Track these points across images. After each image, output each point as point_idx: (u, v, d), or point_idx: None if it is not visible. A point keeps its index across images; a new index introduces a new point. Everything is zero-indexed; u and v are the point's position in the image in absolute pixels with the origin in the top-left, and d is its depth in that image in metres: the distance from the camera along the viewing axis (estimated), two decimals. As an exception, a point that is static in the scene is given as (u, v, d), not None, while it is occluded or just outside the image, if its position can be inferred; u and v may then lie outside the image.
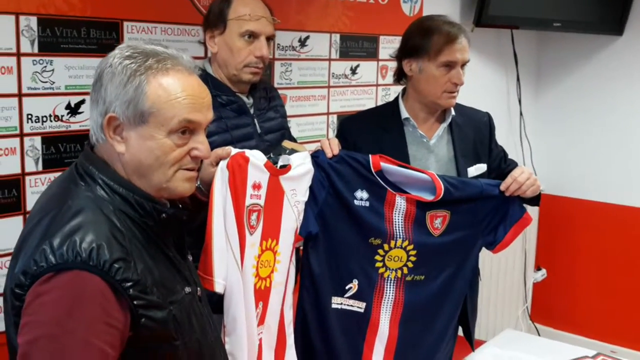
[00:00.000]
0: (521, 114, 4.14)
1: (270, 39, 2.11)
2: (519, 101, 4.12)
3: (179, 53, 1.40)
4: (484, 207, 2.10)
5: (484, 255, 3.72)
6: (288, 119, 2.38)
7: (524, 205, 2.15)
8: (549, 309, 4.31)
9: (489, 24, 3.63)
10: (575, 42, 4.14)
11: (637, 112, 4.01)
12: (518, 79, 4.07)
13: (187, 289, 1.40)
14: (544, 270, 4.34)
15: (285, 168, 1.89)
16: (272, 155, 1.88)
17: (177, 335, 1.33)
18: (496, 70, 4.02)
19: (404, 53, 2.21)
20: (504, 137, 4.01)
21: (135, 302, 1.25)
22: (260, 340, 1.87)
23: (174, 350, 1.33)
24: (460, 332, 2.36)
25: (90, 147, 1.40)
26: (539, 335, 3.99)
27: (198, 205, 1.70)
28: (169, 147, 1.34)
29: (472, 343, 2.35)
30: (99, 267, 1.21)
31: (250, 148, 1.84)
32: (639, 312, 4.02)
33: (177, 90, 1.34)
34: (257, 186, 1.80)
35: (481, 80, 3.81)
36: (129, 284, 1.24)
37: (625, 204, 4.06)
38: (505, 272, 4.04)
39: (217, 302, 1.74)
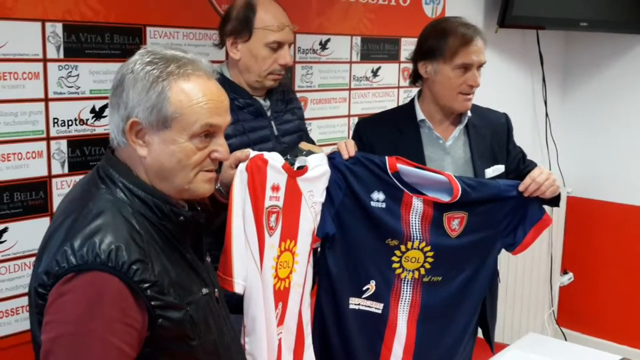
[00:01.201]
0: (547, 115, 4.11)
1: (290, 45, 2.14)
2: (545, 103, 4.09)
3: (197, 57, 1.43)
4: (503, 208, 2.10)
5: (510, 258, 3.75)
6: (309, 121, 2.40)
7: (544, 206, 2.14)
8: (576, 313, 4.27)
9: (513, 25, 3.62)
10: (602, 41, 4.09)
11: (666, 114, 3.97)
12: (544, 80, 4.05)
13: (205, 290, 1.44)
14: (570, 274, 4.29)
15: (303, 169, 1.92)
16: (289, 157, 1.91)
17: (193, 336, 1.36)
18: (521, 71, 4.01)
19: (420, 55, 2.22)
20: (529, 138, 4.00)
21: (152, 303, 1.29)
22: (280, 340, 1.89)
23: (190, 350, 1.37)
24: (480, 335, 2.37)
25: (111, 150, 1.44)
26: (565, 339, 3.95)
27: (218, 207, 1.74)
28: (191, 150, 1.38)
29: (492, 345, 2.35)
30: (118, 268, 1.26)
31: (268, 150, 1.87)
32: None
33: (199, 95, 1.37)
34: (275, 188, 1.83)
35: (506, 82, 3.80)
36: (146, 285, 1.28)
37: (653, 206, 4.01)
38: (531, 276, 4.01)
39: (236, 303, 1.77)
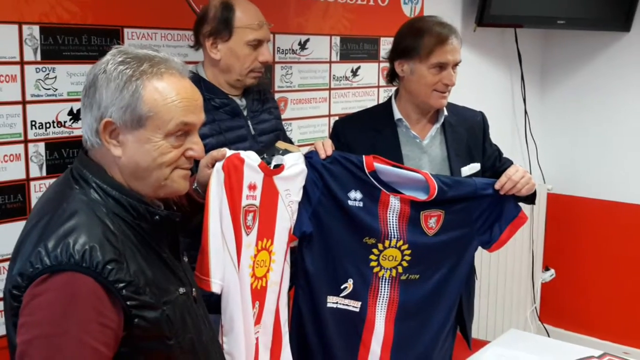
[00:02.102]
0: (526, 113, 4.15)
1: (268, 42, 2.17)
2: (524, 100, 4.13)
3: (170, 56, 1.44)
4: (479, 206, 2.12)
5: (491, 256, 3.78)
6: (290, 121, 2.42)
7: (520, 204, 2.16)
8: (558, 310, 4.31)
9: (491, 23, 3.65)
10: (580, 39, 4.14)
11: (644, 110, 4.01)
12: (522, 78, 4.08)
13: (182, 290, 1.44)
14: (552, 271, 4.33)
15: (279, 168, 1.93)
16: (265, 156, 1.92)
17: (170, 335, 1.37)
18: (500, 69, 4.04)
19: (396, 54, 2.23)
20: (509, 136, 4.03)
21: (128, 303, 1.29)
22: (257, 339, 1.90)
23: (167, 349, 1.37)
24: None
25: (84, 151, 1.44)
26: (548, 336, 3.98)
27: (195, 206, 1.75)
28: (166, 149, 1.39)
29: (469, 342, 2.37)
30: (92, 269, 1.26)
31: (244, 149, 1.88)
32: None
33: (172, 94, 1.38)
34: (252, 187, 1.84)
35: (485, 80, 3.83)
36: (121, 284, 1.29)
37: (633, 202, 4.05)
38: (513, 273, 4.05)
39: (214, 303, 1.78)
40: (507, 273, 3.99)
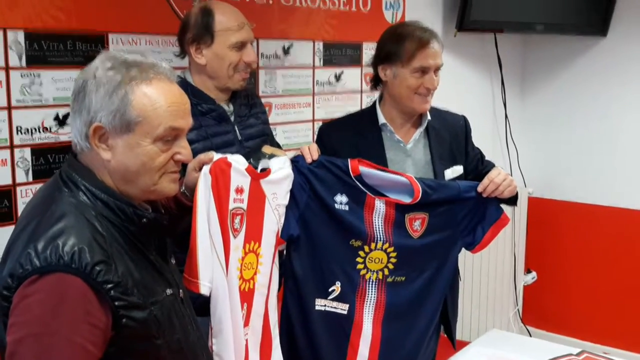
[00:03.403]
0: (506, 117, 4.20)
1: (251, 42, 2.19)
2: (504, 105, 4.17)
3: (158, 62, 1.46)
4: (462, 209, 2.15)
5: (474, 260, 3.82)
6: (274, 126, 2.44)
7: (502, 205, 2.20)
8: (540, 312, 4.35)
9: (472, 29, 3.70)
10: (559, 44, 4.20)
11: (624, 113, 4.06)
12: (502, 83, 4.14)
13: (169, 291, 1.46)
14: (534, 273, 4.38)
15: (266, 172, 1.95)
16: (252, 161, 1.94)
17: (158, 335, 1.39)
18: (480, 74, 4.09)
19: (379, 59, 2.26)
20: (490, 140, 4.08)
21: (116, 303, 1.31)
22: (247, 341, 1.91)
23: (155, 349, 1.39)
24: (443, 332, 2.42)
25: (73, 155, 1.46)
26: (530, 337, 4.03)
27: (183, 210, 1.76)
28: (155, 153, 1.41)
29: (453, 342, 2.40)
30: (81, 270, 1.28)
31: (232, 154, 1.90)
32: (630, 313, 4.05)
33: (161, 99, 1.40)
34: (239, 190, 1.86)
35: (466, 85, 3.88)
36: (109, 285, 1.30)
37: (613, 205, 4.10)
38: (496, 276, 4.08)
39: (202, 305, 1.79)
40: (489, 276, 4.03)
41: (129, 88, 1.38)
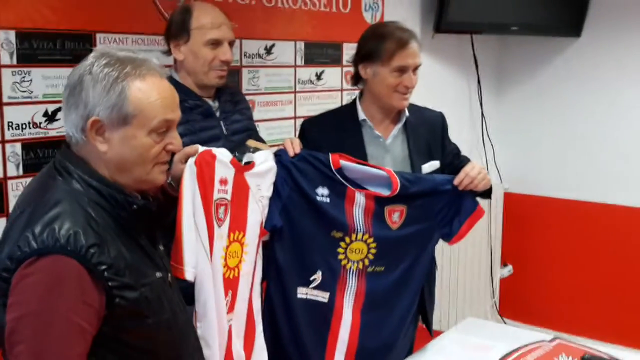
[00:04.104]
0: (483, 115, 4.29)
1: (231, 43, 2.26)
2: (481, 103, 4.27)
3: (148, 58, 1.54)
4: (439, 202, 2.22)
5: (452, 254, 3.91)
6: (257, 123, 2.51)
7: (477, 198, 2.27)
8: (516, 304, 4.44)
9: (449, 30, 3.79)
10: (534, 45, 4.31)
11: (596, 111, 4.19)
12: (479, 82, 4.23)
13: (158, 274, 1.54)
14: (510, 266, 4.49)
15: (250, 165, 2.02)
16: (237, 154, 2.01)
17: (148, 314, 1.47)
18: (457, 74, 4.17)
19: (360, 58, 2.33)
20: (467, 138, 4.17)
21: (109, 284, 1.39)
22: (230, 327, 1.98)
23: (146, 327, 1.47)
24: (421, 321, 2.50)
25: (67, 145, 1.53)
26: (505, 327, 4.13)
27: (169, 200, 1.83)
28: (149, 145, 1.49)
29: (430, 329, 2.48)
30: (76, 252, 1.35)
31: (217, 148, 1.97)
32: (602, 304, 4.18)
33: (154, 94, 1.49)
34: (223, 181, 1.93)
35: (443, 85, 3.96)
36: (103, 266, 1.38)
37: (586, 200, 4.23)
38: (473, 269, 4.18)
39: (189, 294, 1.86)
40: (467, 269, 4.12)
41: (125, 84, 1.45)
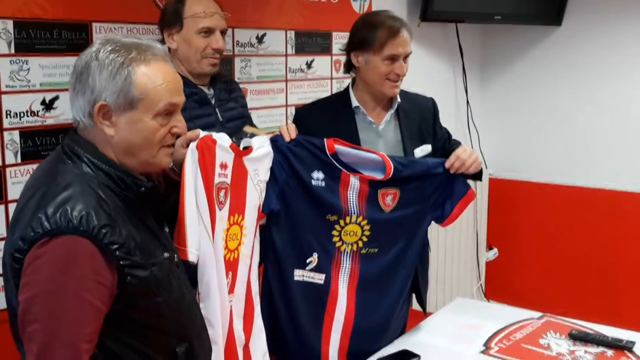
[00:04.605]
0: (468, 102, 4.36)
1: (223, 32, 2.30)
2: (466, 91, 4.34)
3: (153, 43, 1.58)
4: (431, 184, 2.28)
5: (439, 238, 3.98)
6: (249, 111, 2.56)
7: (469, 181, 2.33)
8: (501, 286, 4.52)
9: (434, 19, 3.86)
10: (516, 33, 4.38)
11: (577, 98, 4.28)
12: (464, 70, 4.30)
13: (166, 254, 1.58)
14: (495, 250, 4.56)
15: (248, 150, 2.07)
16: (235, 139, 2.05)
17: (158, 292, 1.51)
18: (443, 62, 4.24)
19: (352, 46, 2.37)
20: (452, 124, 4.22)
21: (121, 262, 1.43)
22: (231, 307, 2.02)
23: (156, 306, 1.51)
24: (415, 303, 2.57)
25: (74, 130, 1.56)
26: (492, 309, 4.22)
27: (171, 184, 1.86)
28: (155, 128, 1.53)
29: (424, 309, 2.54)
30: (89, 232, 1.39)
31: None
32: (585, 285, 4.27)
33: (159, 78, 1.52)
34: (224, 166, 1.97)
35: (429, 73, 4.01)
36: (115, 246, 1.42)
37: (568, 184, 4.31)
38: (459, 253, 4.25)
39: (190, 277, 1.91)
40: (454, 253, 4.19)
41: (130, 69, 1.49)
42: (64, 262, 1.37)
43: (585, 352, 2.22)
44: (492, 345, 2.28)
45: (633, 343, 2.24)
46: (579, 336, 2.32)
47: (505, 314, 2.55)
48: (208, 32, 2.24)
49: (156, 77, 1.52)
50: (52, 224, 1.38)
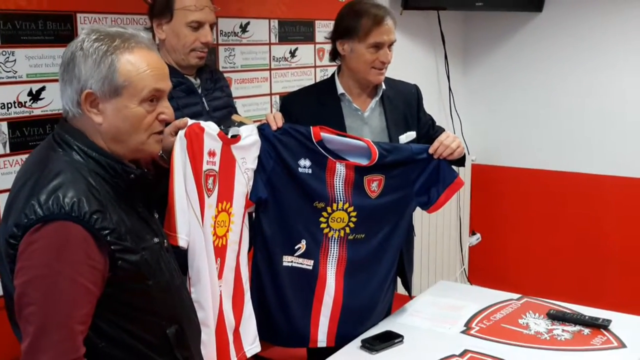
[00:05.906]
0: (450, 89, 4.40)
1: (212, 26, 2.32)
2: (448, 78, 4.37)
3: (137, 32, 1.60)
4: (415, 170, 2.32)
5: (422, 224, 4.03)
6: (234, 100, 2.59)
7: (453, 166, 2.37)
8: (484, 270, 4.58)
9: (416, 7, 3.88)
10: (497, 20, 4.42)
11: (557, 84, 4.33)
12: (446, 57, 4.33)
13: (155, 239, 1.62)
14: (478, 235, 4.62)
15: (236, 138, 2.10)
16: (223, 127, 2.08)
17: (148, 276, 1.55)
18: (425, 50, 4.26)
19: (337, 34, 2.41)
20: (435, 111, 4.19)
21: (112, 247, 1.46)
22: (221, 292, 2.06)
23: (147, 289, 1.55)
24: (400, 287, 2.62)
25: (64, 119, 1.59)
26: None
27: (160, 171, 1.89)
28: (141, 114, 1.56)
29: (409, 291, 2.60)
30: (81, 218, 1.42)
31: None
32: (566, 268, 4.35)
33: (143, 65, 1.55)
34: (212, 153, 2.00)
35: (411, 60, 4.03)
36: (106, 231, 1.46)
37: (548, 169, 4.38)
38: (443, 238, 4.30)
39: (182, 264, 1.93)
40: (437, 238, 4.24)
41: (114, 57, 1.52)
42: (58, 247, 1.41)
43: (563, 330, 2.29)
44: (473, 325, 2.34)
45: (609, 321, 2.31)
46: (556, 316, 2.38)
47: (486, 296, 2.61)
48: (198, 25, 2.25)
49: (140, 64, 1.54)
50: (44, 210, 1.41)
